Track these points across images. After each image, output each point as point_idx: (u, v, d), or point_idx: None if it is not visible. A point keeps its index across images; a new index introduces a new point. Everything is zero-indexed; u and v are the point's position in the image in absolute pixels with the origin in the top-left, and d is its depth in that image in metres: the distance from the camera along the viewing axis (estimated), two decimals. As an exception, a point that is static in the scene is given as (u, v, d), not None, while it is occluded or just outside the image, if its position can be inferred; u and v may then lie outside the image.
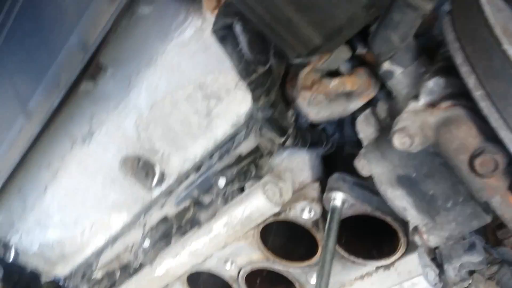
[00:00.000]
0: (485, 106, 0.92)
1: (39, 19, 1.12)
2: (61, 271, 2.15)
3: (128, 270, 2.02)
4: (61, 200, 1.79)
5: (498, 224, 1.09)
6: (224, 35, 1.02)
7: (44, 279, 2.51)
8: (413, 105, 1.06)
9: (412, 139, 1.02)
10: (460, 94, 1.00)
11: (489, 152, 0.95)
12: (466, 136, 0.97)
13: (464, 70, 0.94)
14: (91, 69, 1.20)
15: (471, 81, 0.93)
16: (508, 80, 0.89)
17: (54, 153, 1.60)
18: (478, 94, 0.92)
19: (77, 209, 1.82)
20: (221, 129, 1.41)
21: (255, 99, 1.15)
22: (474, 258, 1.46)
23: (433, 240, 1.21)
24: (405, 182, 1.18)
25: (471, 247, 1.47)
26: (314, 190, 1.49)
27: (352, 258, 1.51)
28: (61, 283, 2.39)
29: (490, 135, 0.94)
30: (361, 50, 1.24)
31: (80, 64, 1.14)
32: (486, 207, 1.04)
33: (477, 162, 0.96)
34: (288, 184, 1.48)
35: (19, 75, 1.26)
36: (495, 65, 0.91)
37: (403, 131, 1.02)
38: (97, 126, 1.50)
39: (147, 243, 1.73)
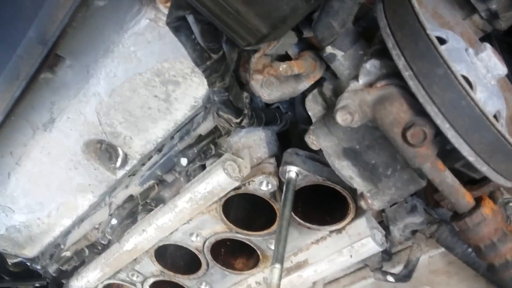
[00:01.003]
0: (413, 84, 1.04)
1: (-4, 14, 1.15)
2: (29, 252, 2.18)
3: (97, 248, 2.09)
4: (26, 185, 1.81)
5: (435, 187, 1.23)
6: (177, 26, 1.08)
7: (10, 261, 2.55)
8: (353, 85, 1.17)
9: (353, 115, 1.13)
10: (393, 74, 1.11)
11: (418, 124, 1.08)
12: (398, 111, 1.09)
13: (395, 53, 1.05)
14: (50, 60, 1.23)
15: (400, 63, 1.04)
16: (431, 61, 1.01)
17: (16, 141, 1.62)
18: (407, 74, 1.04)
19: (42, 193, 1.85)
20: (180, 112, 1.48)
21: (211, 84, 1.22)
22: (416, 219, 1.59)
23: (376, 204, 1.34)
24: (350, 154, 1.30)
25: (412, 209, 1.60)
26: (270, 164, 1.59)
27: (307, 224, 1.64)
28: (28, 265, 2.43)
29: (419, 110, 1.07)
30: (307, 33, 1.33)
31: (39, 57, 1.17)
32: (420, 173, 1.17)
33: (409, 133, 1.08)
34: (246, 160, 1.58)
35: (-22, 67, 1.28)
36: (421, 49, 1.02)
37: (344, 109, 1.13)
38: (58, 113, 1.53)
39: (114, 221, 1.80)
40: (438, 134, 1.08)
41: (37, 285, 2.65)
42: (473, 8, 1.39)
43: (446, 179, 1.11)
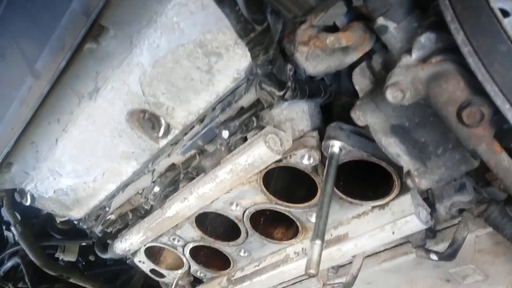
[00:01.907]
0: (472, 61, 0.97)
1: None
2: (76, 214, 2.28)
3: (140, 212, 2.15)
4: (72, 151, 1.87)
5: (487, 166, 1.16)
6: (221, -4, 1.04)
7: (58, 219, 2.67)
8: (405, 60, 1.10)
9: (404, 93, 1.07)
10: (450, 49, 1.04)
11: (475, 104, 1.01)
12: (454, 90, 1.03)
13: (453, 27, 0.98)
14: (94, 30, 1.22)
15: (459, 37, 0.97)
16: (494, 37, 0.94)
17: (63, 109, 1.66)
18: (466, 50, 0.97)
19: (88, 159, 1.90)
20: (223, 84, 1.46)
21: (254, 57, 1.19)
22: (464, 198, 1.52)
23: (424, 183, 1.29)
24: (398, 131, 1.25)
25: (461, 188, 1.53)
26: (313, 138, 1.55)
27: (349, 199, 1.61)
28: (75, 223, 2.54)
29: (477, 88, 1.00)
30: (357, 2, 1.26)
31: (83, 28, 1.16)
32: (474, 153, 1.11)
33: (465, 113, 1.02)
34: (288, 134, 1.55)
35: (25, 39, 1.29)
36: (483, 22, 0.95)
37: (395, 86, 1.07)
38: (103, 82, 1.54)
39: (156, 189, 1.84)
40: (496, 113, 1.01)
41: (83, 244, 2.79)
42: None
43: (502, 162, 1.05)
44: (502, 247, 1.63)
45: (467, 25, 0.96)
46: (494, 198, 1.54)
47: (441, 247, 1.65)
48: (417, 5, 1.15)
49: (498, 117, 1.02)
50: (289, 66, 1.35)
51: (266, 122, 1.56)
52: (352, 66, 1.35)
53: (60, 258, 2.90)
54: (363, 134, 1.48)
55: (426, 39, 1.07)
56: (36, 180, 2.08)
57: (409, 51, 1.12)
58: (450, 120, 1.04)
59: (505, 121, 0.99)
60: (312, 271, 1.19)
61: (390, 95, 1.07)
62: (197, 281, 2.42)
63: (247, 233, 1.94)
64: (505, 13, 1.05)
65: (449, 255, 1.53)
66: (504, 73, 0.93)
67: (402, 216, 1.53)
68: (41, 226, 2.83)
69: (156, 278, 2.46)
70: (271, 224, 1.96)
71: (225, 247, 2.08)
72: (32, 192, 2.15)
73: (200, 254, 2.23)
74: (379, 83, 1.26)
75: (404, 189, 1.53)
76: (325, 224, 1.33)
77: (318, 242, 1.26)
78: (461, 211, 1.58)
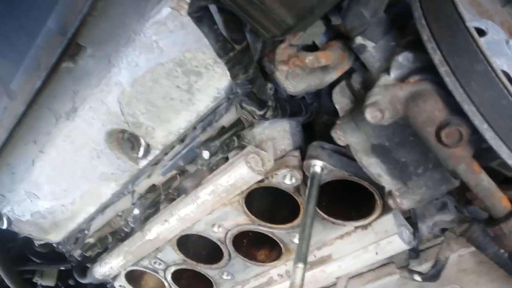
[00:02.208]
0: (449, 81, 0.97)
1: (15, 3, 1.12)
2: (54, 237, 2.21)
3: (120, 235, 2.10)
4: (50, 173, 1.82)
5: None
6: (199, 16, 1.03)
7: (37, 242, 2.60)
8: (384, 79, 1.10)
9: (383, 113, 1.07)
10: (428, 69, 1.04)
11: (454, 124, 1.01)
12: (433, 109, 1.03)
13: (430, 46, 0.98)
14: (71, 50, 1.20)
15: (436, 57, 0.98)
16: (470, 57, 0.94)
17: (39, 130, 1.62)
18: (443, 69, 0.97)
19: (66, 181, 1.85)
20: (203, 103, 1.44)
21: (234, 76, 1.18)
22: (446, 217, 1.52)
23: (406, 203, 1.28)
24: (379, 151, 1.24)
25: (443, 207, 1.53)
26: (295, 157, 1.54)
27: (332, 219, 1.59)
28: (54, 248, 2.47)
29: (455, 108, 1.00)
30: (336, 21, 1.26)
31: (59, 47, 1.14)
32: (454, 173, 1.10)
33: (443, 133, 1.02)
34: (270, 153, 1.53)
35: (-1, 58, 1.27)
36: (459, 42, 0.95)
37: (374, 106, 1.07)
38: (81, 102, 1.51)
39: (136, 211, 1.80)
40: (474, 133, 1.01)
41: (62, 268, 2.71)
42: (513, -7, 1.30)
43: (482, 182, 1.05)
44: (485, 266, 1.62)
45: (444, 44, 0.97)
46: (476, 217, 1.54)
47: (425, 267, 1.64)
48: (395, 24, 1.16)
49: (476, 137, 1.02)
50: (269, 85, 1.34)
51: (248, 141, 1.54)
52: (333, 85, 1.35)
53: (39, 283, 2.82)
54: (344, 154, 1.48)
55: (404, 59, 1.08)
56: (12, 203, 2.02)
57: (387, 70, 1.12)
58: (429, 140, 1.04)
59: (483, 140, 0.99)
60: (294, 295, 1.17)
61: (369, 115, 1.07)
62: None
63: (229, 255, 1.90)
64: (481, 32, 1.06)
65: (433, 276, 1.52)
66: (481, 92, 0.93)
67: (385, 236, 1.52)
68: (18, 249, 2.75)
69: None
70: (254, 246, 1.93)
71: (208, 270, 2.04)
72: (8, 215, 2.08)
73: (182, 277, 2.18)
74: (359, 102, 1.26)
75: (386, 209, 1.52)
76: (307, 247, 1.31)
77: (300, 265, 1.24)
78: (443, 230, 1.57)
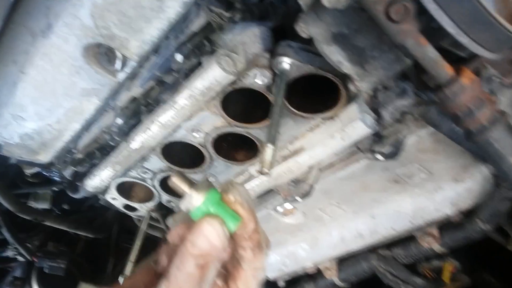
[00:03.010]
0: (394, -39, 1.07)
1: None
2: (43, 158, 2.31)
3: (106, 150, 2.22)
4: (32, 93, 1.89)
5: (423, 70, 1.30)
6: None
7: (28, 171, 2.71)
8: (338, -33, 1.19)
9: (339, -3, 1.17)
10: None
11: (400, 0, 1.13)
12: (381, -11, 1.14)
13: None
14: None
15: None
16: None
17: (17, 49, 1.67)
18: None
19: (49, 100, 1.93)
20: (173, 10, 1.51)
21: (200, -23, 1.25)
22: (406, 101, 1.66)
23: (364, 85, 1.44)
24: (339, 39, 1.36)
25: (402, 93, 1.67)
26: (265, 58, 1.64)
27: (301, 113, 1.73)
28: (44, 173, 2.60)
29: (402, -14, 1.11)
30: None
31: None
32: (406, 52, 1.23)
33: (392, 10, 1.13)
34: (241, 55, 1.63)
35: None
36: None
37: (329, -9, 1.17)
38: (54, 18, 1.56)
39: (119, 121, 1.91)
40: (423, 12, 1.13)
41: (54, 189, 2.85)
42: None
43: (427, 53, 1.18)
44: (442, 144, 1.79)
45: None
46: (432, 100, 1.69)
47: (388, 149, 1.81)
48: None
49: (426, 17, 1.14)
50: (235, -13, 1.42)
51: (219, 46, 1.63)
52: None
53: (33, 206, 2.96)
54: (310, 50, 1.59)
55: None
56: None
57: (341, -41, 1.21)
58: (380, 19, 1.15)
59: (432, 19, 1.12)
60: (265, 169, 1.33)
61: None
62: (170, 212, 2.55)
63: (211, 158, 2.05)
64: None
65: (392, 154, 1.70)
66: (422, -33, 1.04)
67: (349, 123, 1.67)
68: (10, 179, 2.87)
69: (130, 213, 2.58)
70: (233, 148, 2.08)
71: (192, 175, 2.20)
72: (-3, 140, 2.18)
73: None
74: (319, -5, 1.35)
75: (350, 99, 1.66)
76: (276, 131, 1.46)
77: (269, 145, 1.40)
78: (403, 114, 1.73)
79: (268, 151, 1.35)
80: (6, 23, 1.44)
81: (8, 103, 1.94)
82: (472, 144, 1.35)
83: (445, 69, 1.19)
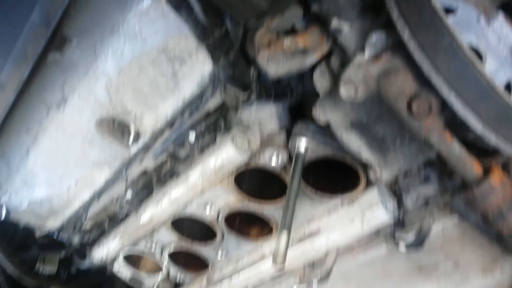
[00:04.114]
0: (417, 56, 1.02)
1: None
2: (52, 224, 2.26)
3: (116, 220, 2.16)
4: (44, 161, 1.87)
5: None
6: (178, 3, 1.07)
7: (38, 233, 2.66)
8: (359, 59, 1.15)
9: (356, 89, 1.12)
10: (398, 46, 1.09)
11: (424, 96, 1.07)
12: (403, 84, 1.08)
13: (399, 24, 1.03)
14: (56, 41, 1.24)
15: (405, 33, 1.03)
16: (436, 32, 0.99)
17: (31, 119, 1.66)
18: (411, 45, 1.02)
19: (61, 168, 1.91)
20: (188, 89, 1.49)
21: (215, 60, 1.22)
22: (429, 189, 1.57)
23: (385, 175, 1.35)
24: (358, 127, 1.30)
25: (426, 179, 1.59)
26: (280, 138, 1.59)
27: (319, 195, 1.65)
28: (54, 236, 2.53)
29: (424, 81, 1.05)
30: (315, 7, 1.30)
31: (44, 38, 1.18)
32: (427, 143, 1.16)
33: (414, 105, 1.07)
34: (256, 134, 1.58)
35: (-13, 51, 1.31)
36: (425, 19, 1.00)
37: (348, 83, 1.12)
38: (70, 92, 1.56)
39: (129, 195, 1.86)
40: (446, 105, 1.06)
41: (63, 254, 2.77)
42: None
43: (453, 150, 1.11)
44: (469, 235, 1.67)
45: (412, 22, 1.02)
46: (458, 188, 1.60)
47: (411, 238, 1.69)
48: (369, 7, 1.20)
49: (450, 111, 1.07)
50: (252, 69, 1.39)
51: (234, 124, 1.59)
52: (315, 68, 1.39)
53: (41, 271, 2.88)
54: (328, 132, 1.53)
55: (376, 38, 1.12)
56: (9, 192, 2.07)
57: (363, 50, 1.16)
58: (402, 113, 1.09)
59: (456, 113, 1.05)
60: (278, 262, 1.23)
61: (344, 91, 1.12)
62: (177, 286, 2.44)
63: (223, 233, 1.97)
64: (450, 11, 1.11)
65: (417, 245, 1.58)
66: (447, 65, 0.98)
67: (370, 209, 1.58)
68: (20, 239, 2.81)
69: (137, 286, 2.47)
70: (246, 224, 1.99)
71: (203, 249, 2.10)
72: (6, 205, 2.14)
73: (179, 257, 2.25)
74: (337, 82, 1.30)
75: (370, 183, 1.57)
76: (291, 217, 1.38)
77: (284, 233, 1.31)
78: (427, 202, 1.63)
79: (282, 240, 1.26)
80: (20, 95, 1.43)
81: (20, 170, 1.92)
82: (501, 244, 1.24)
83: (472, 168, 1.10)
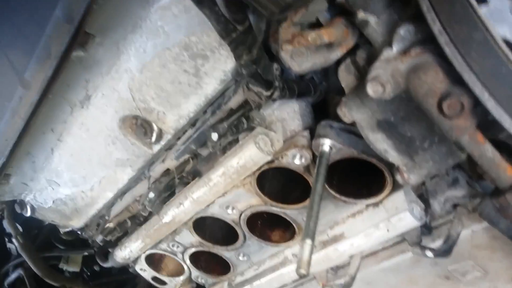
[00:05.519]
0: (449, 51, 0.96)
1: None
2: (76, 223, 2.28)
3: (138, 219, 2.16)
4: (68, 160, 1.88)
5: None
6: (200, -3, 1.06)
7: (62, 230, 2.68)
8: (386, 53, 1.10)
9: (384, 87, 1.07)
10: (429, 40, 1.04)
11: (455, 94, 1.01)
12: (433, 81, 1.03)
13: (429, 17, 0.98)
14: (80, 38, 1.24)
15: (435, 27, 0.97)
16: (469, 25, 0.94)
17: (56, 118, 1.67)
18: (442, 39, 0.97)
19: (85, 167, 1.91)
20: (211, 86, 1.47)
21: (237, 57, 1.20)
22: (458, 192, 1.50)
23: (413, 178, 1.29)
24: (385, 126, 1.24)
25: (454, 182, 1.52)
26: (304, 137, 1.55)
27: (343, 198, 1.60)
28: (78, 235, 2.55)
29: (456, 78, 0.99)
30: (340, -1, 1.26)
31: (68, 35, 1.18)
32: (458, 145, 1.10)
33: (445, 104, 1.02)
34: (279, 134, 1.55)
35: (13, 49, 1.31)
36: (457, 11, 0.95)
37: (375, 80, 1.07)
38: (93, 90, 1.56)
39: (151, 195, 1.85)
40: (478, 104, 1.01)
41: (86, 253, 2.80)
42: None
43: (485, 153, 1.04)
44: (499, 241, 1.61)
45: (443, 14, 0.96)
46: (488, 192, 1.53)
47: (438, 244, 1.63)
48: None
49: (481, 109, 1.01)
50: (275, 66, 1.35)
51: (257, 123, 1.56)
52: (340, 63, 1.35)
53: (64, 269, 2.92)
54: (353, 132, 1.48)
55: (405, 31, 1.07)
56: (35, 191, 2.10)
57: (390, 44, 1.12)
58: (432, 113, 1.04)
59: (488, 112, 0.99)
60: (302, 270, 1.19)
61: (371, 89, 1.08)
62: (199, 287, 2.42)
63: (244, 236, 1.94)
64: (482, 1, 1.05)
65: (444, 252, 1.51)
66: (480, 61, 0.93)
67: (396, 213, 1.52)
68: (44, 237, 2.85)
69: (158, 286, 2.46)
70: (268, 227, 1.96)
71: (224, 252, 2.08)
72: (31, 203, 2.16)
73: (200, 259, 2.23)
74: (363, 78, 1.26)
75: (396, 186, 1.52)
76: (315, 223, 1.32)
77: (308, 241, 1.25)
78: (455, 206, 1.57)
79: (306, 248, 1.21)
80: (44, 94, 1.43)
81: (45, 169, 1.93)
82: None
83: (506, 172, 1.04)
